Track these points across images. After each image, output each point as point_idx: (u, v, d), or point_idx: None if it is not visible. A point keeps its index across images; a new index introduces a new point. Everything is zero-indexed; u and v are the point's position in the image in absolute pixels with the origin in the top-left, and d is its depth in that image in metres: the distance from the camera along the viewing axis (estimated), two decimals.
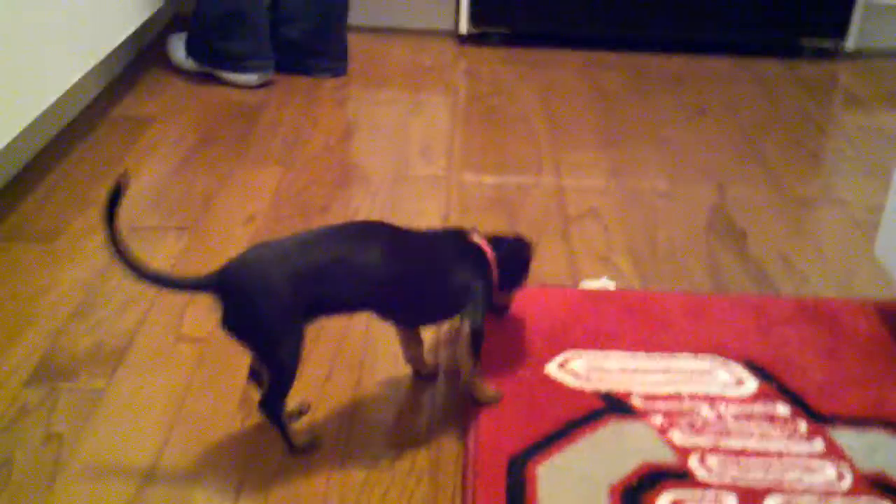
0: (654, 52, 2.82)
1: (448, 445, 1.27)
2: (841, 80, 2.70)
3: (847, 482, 1.19)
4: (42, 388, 1.34)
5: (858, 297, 1.61)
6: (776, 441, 1.26)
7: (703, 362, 1.41)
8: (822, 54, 2.82)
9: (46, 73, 1.92)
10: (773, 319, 1.51)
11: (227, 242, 1.72)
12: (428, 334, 1.42)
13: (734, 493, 1.17)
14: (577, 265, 1.70)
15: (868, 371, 1.40)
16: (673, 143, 2.25)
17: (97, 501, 1.15)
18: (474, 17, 2.81)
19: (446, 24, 2.92)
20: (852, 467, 1.21)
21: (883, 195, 1.59)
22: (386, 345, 1.43)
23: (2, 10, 1.71)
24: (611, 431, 1.27)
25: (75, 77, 2.04)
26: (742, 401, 1.33)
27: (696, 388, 1.35)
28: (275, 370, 1.17)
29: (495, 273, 1.30)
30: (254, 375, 1.25)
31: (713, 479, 1.19)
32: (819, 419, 1.30)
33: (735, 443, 1.25)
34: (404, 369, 1.39)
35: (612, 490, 1.17)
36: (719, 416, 1.30)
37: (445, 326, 1.46)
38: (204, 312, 1.49)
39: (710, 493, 1.16)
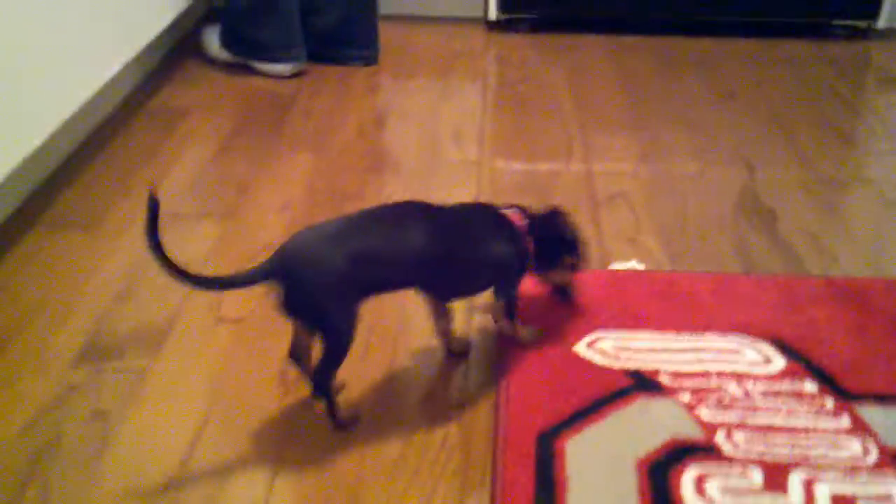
0: (682, 34, 2.82)
1: (479, 421, 1.30)
2: (873, 60, 2.69)
3: (873, 457, 1.21)
4: (88, 368, 1.39)
5: (888, 276, 1.61)
6: (803, 417, 1.27)
7: (730, 341, 1.43)
8: (852, 34, 2.80)
9: (85, 66, 1.98)
10: (802, 298, 1.53)
11: (262, 229, 1.76)
12: (459, 312, 1.46)
13: (759, 468, 1.19)
14: (607, 247, 1.72)
15: None
16: (702, 125, 2.26)
17: (142, 475, 1.20)
18: (503, 4, 2.83)
19: (475, 11, 2.94)
20: (878, 443, 1.23)
21: None
22: (419, 324, 1.47)
23: (43, 6, 1.76)
24: (639, 408, 1.29)
25: (113, 69, 2.10)
26: (769, 378, 1.35)
27: (723, 367, 1.37)
28: (331, 346, 1.22)
29: (529, 244, 1.34)
30: (294, 355, 1.29)
31: (739, 454, 1.21)
32: (846, 396, 1.31)
33: (762, 419, 1.27)
34: (437, 347, 1.43)
35: (640, 464, 1.19)
36: (746, 394, 1.32)
37: (479, 299, 1.49)
38: (242, 295, 1.53)
39: (735, 468, 1.19)
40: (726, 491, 1.16)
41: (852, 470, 1.19)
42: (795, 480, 1.17)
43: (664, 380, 1.34)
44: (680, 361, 1.38)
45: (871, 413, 1.28)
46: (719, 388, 1.33)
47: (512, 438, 1.23)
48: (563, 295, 1.47)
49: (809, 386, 1.33)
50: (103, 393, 1.34)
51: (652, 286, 1.57)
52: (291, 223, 1.78)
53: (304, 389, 1.33)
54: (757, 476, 1.18)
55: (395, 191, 1.93)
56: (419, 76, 2.55)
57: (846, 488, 1.16)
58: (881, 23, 2.76)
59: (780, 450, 1.22)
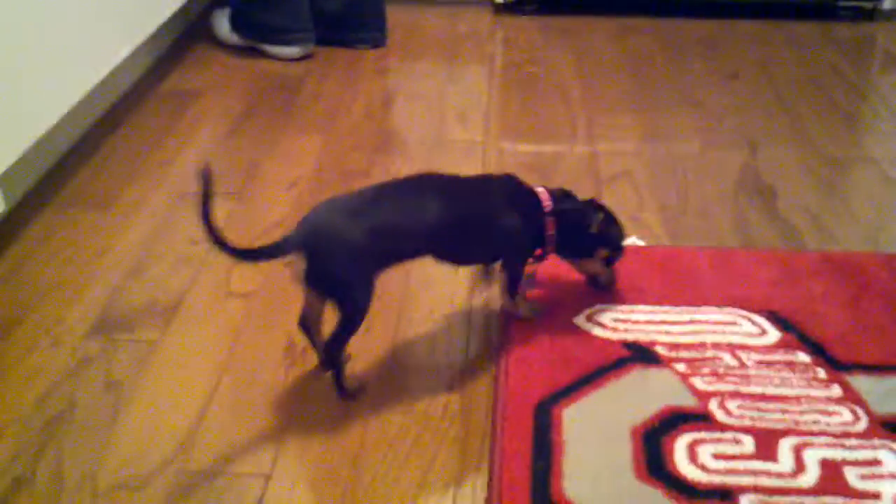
0: (687, 16, 2.83)
1: (479, 391, 1.34)
2: (878, 41, 2.70)
3: (862, 424, 1.24)
4: (102, 340, 1.43)
5: (885, 252, 1.64)
6: (795, 387, 1.31)
7: (727, 314, 1.46)
8: (858, 15, 2.81)
9: (97, 49, 2.02)
10: (799, 272, 1.55)
11: (271, 207, 1.80)
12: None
13: (751, 434, 1.22)
14: None
15: (890, 321, 1.44)
16: (705, 105, 2.28)
17: (153, 443, 1.25)
18: None
19: None
20: (868, 411, 1.26)
21: None
22: (421, 297, 1.51)
23: None
24: (635, 378, 1.33)
25: (124, 52, 2.14)
26: (763, 349, 1.38)
27: (719, 338, 1.40)
28: (348, 316, 1.27)
29: (550, 225, 1.37)
30: (304, 324, 1.33)
31: (732, 422, 1.24)
32: (838, 366, 1.34)
33: (755, 388, 1.30)
34: (439, 320, 1.47)
35: (634, 431, 1.23)
36: (741, 364, 1.35)
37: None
38: (250, 271, 1.58)
39: (728, 434, 1.22)
40: (718, 457, 1.19)
41: (842, 436, 1.22)
42: (786, 446, 1.20)
43: (661, 351, 1.37)
44: (677, 333, 1.41)
45: (862, 382, 1.31)
46: (714, 359, 1.36)
47: (511, 407, 1.27)
48: (595, 285, 1.50)
49: (802, 356, 1.36)
50: (116, 364, 1.39)
51: (652, 261, 1.60)
52: (298, 202, 1.81)
53: (310, 361, 1.37)
54: (748, 442, 1.21)
55: (402, 170, 1.96)
56: (426, 59, 2.58)
57: (836, 454, 1.19)
58: (887, 3, 2.77)
59: (772, 417, 1.25)
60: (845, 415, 1.25)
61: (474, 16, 2.88)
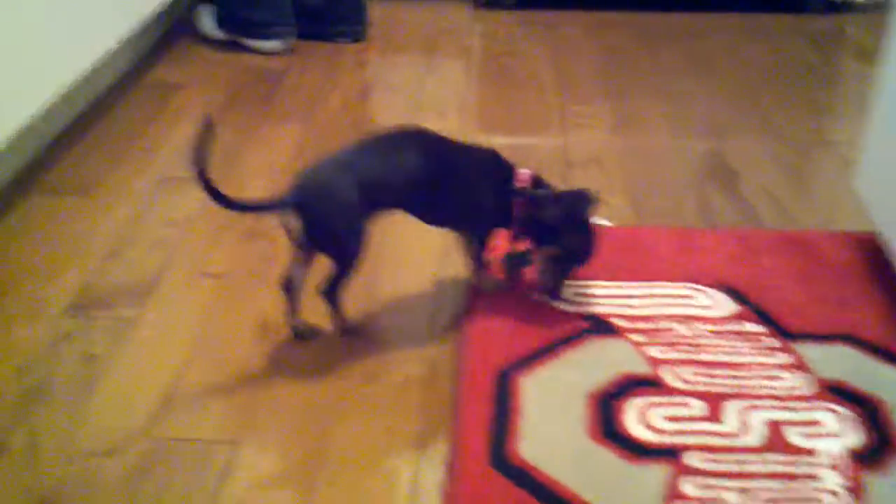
0: (662, 9, 2.89)
1: (443, 361, 1.39)
2: (849, 33, 2.75)
3: (807, 388, 1.29)
4: (80, 317, 1.48)
5: (839, 230, 1.69)
6: (746, 355, 1.36)
7: (683, 288, 1.51)
8: (830, 8, 2.86)
9: (83, 41, 2.08)
10: (755, 249, 1.61)
11: (251, 193, 1.84)
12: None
13: (701, 399, 1.27)
14: None
15: (840, 294, 1.49)
16: (677, 96, 2.33)
17: (126, 413, 1.30)
18: None
19: None
20: (814, 376, 1.31)
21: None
22: (389, 270, 1.57)
23: None
24: (593, 348, 1.38)
25: (109, 44, 2.19)
26: (717, 321, 1.43)
27: (675, 311, 1.45)
28: (344, 267, 1.36)
29: (516, 205, 1.41)
30: (286, 286, 1.39)
31: (684, 387, 1.30)
32: (787, 336, 1.39)
33: (706, 356, 1.35)
34: (407, 290, 1.53)
35: (590, 396, 1.28)
36: (694, 335, 1.40)
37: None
38: (225, 252, 1.63)
39: (678, 398, 1.27)
40: (668, 419, 1.24)
41: (787, 399, 1.27)
42: (733, 409, 1.25)
43: (618, 322, 1.43)
44: (635, 306, 1.46)
45: (810, 350, 1.36)
46: (668, 330, 1.41)
47: (473, 375, 1.32)
48: (542, 287, 1.48)
49: (754, 327, 1.41)
50: (93, 340, 1.44)
51: (616, 239, 1.64)
52: (277, 187, 1.86)
53: (281, 337, 1.42)
54: (698, 406, 1.26)
55: None
56: (406, 52, 2.63)
57: (780, 415, 1.24)
58: None
59: (721, 382, 1.30)
60: (791, 380, 1.30)
61: (455, 11, 2.93)
